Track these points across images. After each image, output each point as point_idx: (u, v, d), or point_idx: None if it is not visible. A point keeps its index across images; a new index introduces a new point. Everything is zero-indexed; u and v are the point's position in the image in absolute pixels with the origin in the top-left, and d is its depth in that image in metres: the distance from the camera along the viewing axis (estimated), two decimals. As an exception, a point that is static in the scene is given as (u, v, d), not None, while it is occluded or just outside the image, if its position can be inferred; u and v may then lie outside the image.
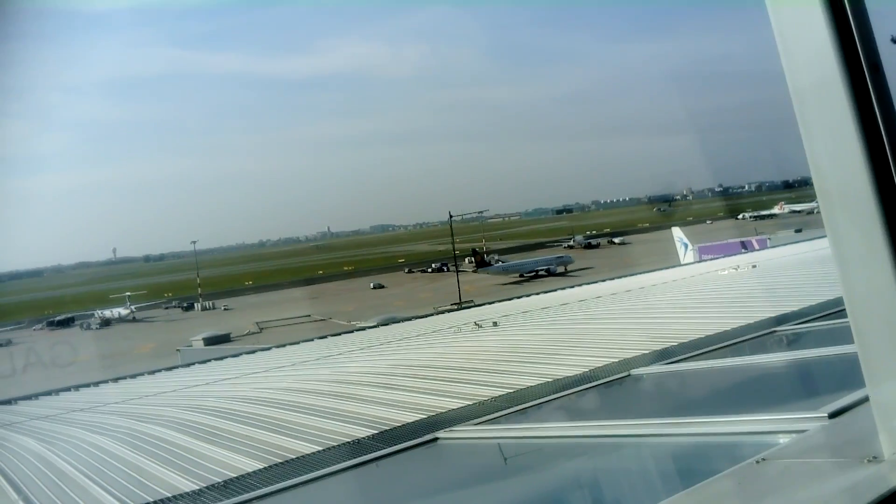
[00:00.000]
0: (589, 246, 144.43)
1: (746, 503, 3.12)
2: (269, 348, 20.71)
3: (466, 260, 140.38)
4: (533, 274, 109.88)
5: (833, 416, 3.84)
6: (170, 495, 6.69)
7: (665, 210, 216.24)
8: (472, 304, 41.38)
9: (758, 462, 3.27)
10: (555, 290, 26.59)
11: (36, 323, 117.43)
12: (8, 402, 17.31)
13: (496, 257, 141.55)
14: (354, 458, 6.23)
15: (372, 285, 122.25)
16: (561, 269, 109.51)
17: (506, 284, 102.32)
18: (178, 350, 45.49)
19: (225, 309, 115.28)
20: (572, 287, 27.28)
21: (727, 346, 8.54)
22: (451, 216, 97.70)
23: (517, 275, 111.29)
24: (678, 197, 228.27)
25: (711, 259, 36.69)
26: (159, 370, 19.14)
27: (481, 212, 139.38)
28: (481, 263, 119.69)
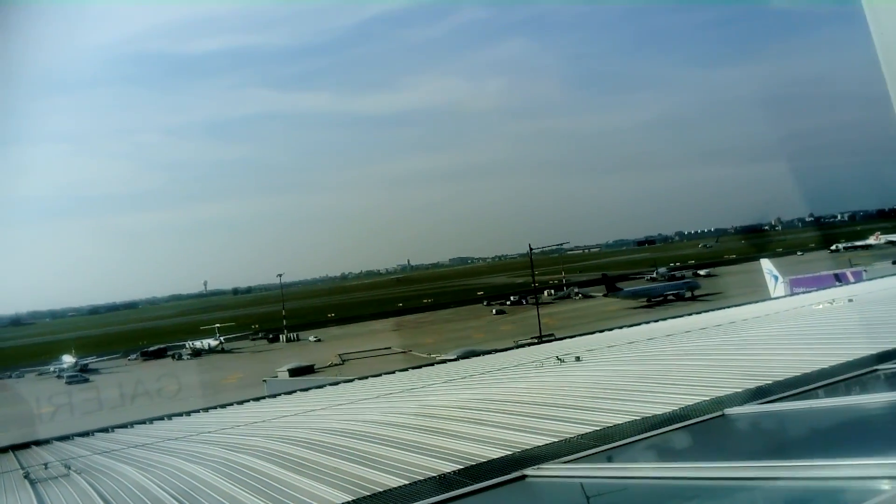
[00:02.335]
0: (672, 278, 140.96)
1: None
2: (352, 380, 20.99)
3: (546, 292, 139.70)
4: (661, 299, 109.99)
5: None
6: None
7: (712, 246, 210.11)
8: (553, 337, 40.93)
9: None
10: (639, 325, 26.09)
11: (130, 353, 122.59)
12: (105, 429, 18.09)
13: (575, 289, 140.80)
14: (442, 493, 6.19)
15: (494, 311, 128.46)
16: (689, 294, 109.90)
17: (635, 309, 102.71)
18: (264, 381, 46.66)
19: (317, 340, 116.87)
20: (657, 321, 26.70)
21: (826, 385, 8.19)
22: (531, 249, 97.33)
23: (645, 300, 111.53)
24: (766, 227, 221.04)
25: (804, 292, 35.24)
26: (247, 400, 19.66)
27: (561, 244, 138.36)
28: (611, 288, 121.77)
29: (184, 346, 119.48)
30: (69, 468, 12.15)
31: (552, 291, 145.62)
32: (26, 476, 12.00)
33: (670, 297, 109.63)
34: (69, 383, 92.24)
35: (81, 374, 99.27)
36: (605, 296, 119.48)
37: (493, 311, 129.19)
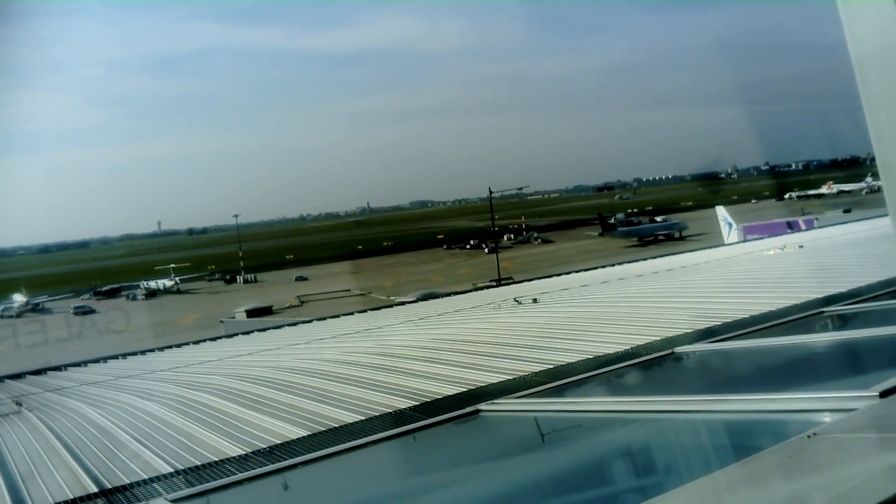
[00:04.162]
0: (629, 224, 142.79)
1: (799, 475, 3.10)
2: (310, 321, 20.97)
3: (505, 237, 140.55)
4: (652, 238, 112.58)
5: (884, 395, 3.79)
6: (217, 459, 6.85)
7: (629, 197, 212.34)
8: (512, 280, 41.33)
9: (809, 437, 3.25)
10: (594, 269, 26.42)
11: (83, 293, 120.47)
12: (58, 368, 17.85)
13: (535, 234, 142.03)
14: (397, 428, 6.29)
15: (486, 251, 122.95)
16: (677, 235, 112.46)
17: (628, 247, 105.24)
18: (221, 321, 46.47)
19: (298, 279, 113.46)
20: (612, 265, 27.07)
21: (773, 326, 8.41)
22: (490, 192, 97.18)
23: (636, 239, 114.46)
24: (722, 174, 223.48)
25: (757, 239, 35.99)
26: (204, 340, 19.56)
27: (521, 188, 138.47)
28: (607, 227, 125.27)
29: (138, 286, 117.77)
30: (20, 405, 12.00)
31: (511, 236, 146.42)
32: None
33: (660, 237, 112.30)
34: (76, 314, 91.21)
35: (88, 306, 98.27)
36: (600, 235, 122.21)
37: (486, 250, 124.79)
